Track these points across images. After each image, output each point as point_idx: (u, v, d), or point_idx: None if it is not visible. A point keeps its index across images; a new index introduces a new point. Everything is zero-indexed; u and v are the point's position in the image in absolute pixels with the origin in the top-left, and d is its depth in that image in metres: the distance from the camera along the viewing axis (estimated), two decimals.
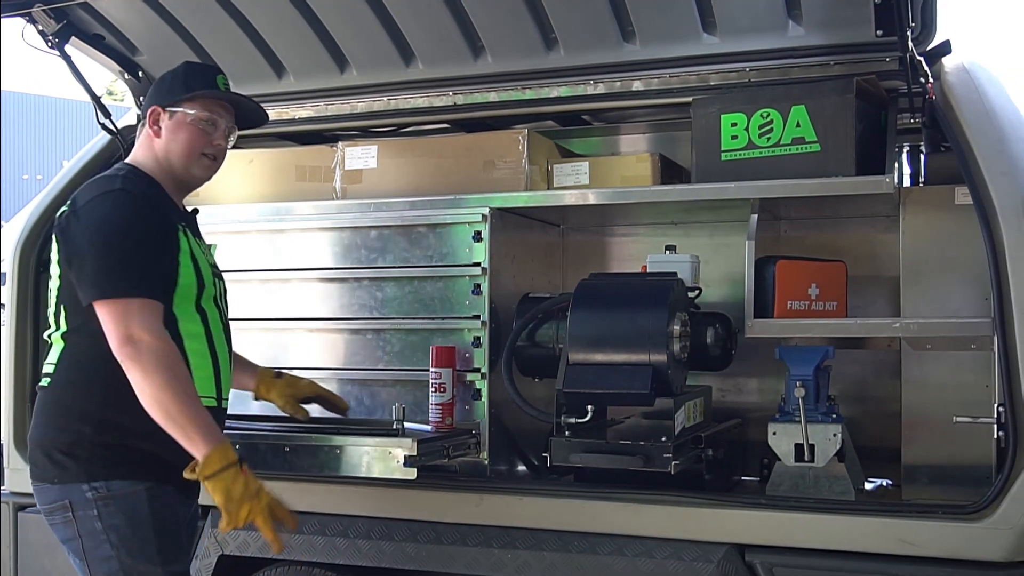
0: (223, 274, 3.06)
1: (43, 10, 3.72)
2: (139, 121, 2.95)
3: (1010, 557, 2.85)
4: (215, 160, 2.96)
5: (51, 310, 2.81)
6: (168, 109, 2.91)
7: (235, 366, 3.12)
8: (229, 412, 2.98)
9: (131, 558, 2.66)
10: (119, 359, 2.61)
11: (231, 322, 3.02)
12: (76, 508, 2.68)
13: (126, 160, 2.97)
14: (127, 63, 4.13)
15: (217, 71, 3.02)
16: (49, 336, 2.84)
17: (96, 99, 4.00)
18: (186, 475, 2.59)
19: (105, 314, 2.64)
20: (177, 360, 2.63)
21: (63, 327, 2.77)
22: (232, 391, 3.00)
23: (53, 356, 2.80)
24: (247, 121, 3.07)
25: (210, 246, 3.07)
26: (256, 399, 3.34)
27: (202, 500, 2.88)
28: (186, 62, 3.07)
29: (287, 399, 3.30)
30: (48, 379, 2.79)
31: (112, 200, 2.72)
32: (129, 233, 2.68)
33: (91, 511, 2.67)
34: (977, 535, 2.87)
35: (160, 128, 2.91)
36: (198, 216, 3.04)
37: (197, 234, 2.97)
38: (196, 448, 2.59)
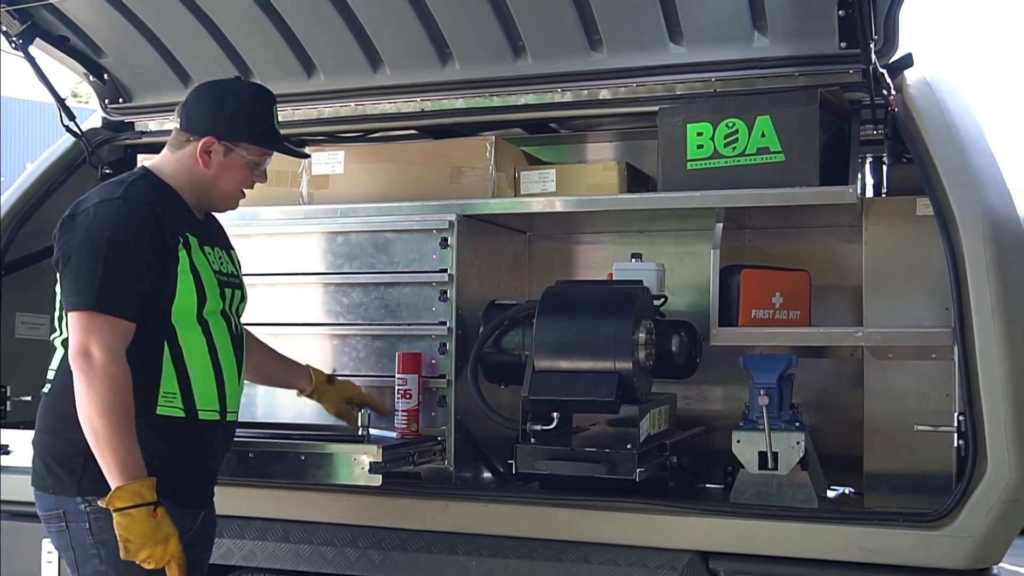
0: (240, 280, 2.98)
1: (7, 11, 3.67)
2: (179, 134, 2.85)
3: (970, 565, 2.86)
4: (246, 193, 2.96)
5: (56, 314, 2.76)
6: (224, 143, 2.83)
7: (282, 367, 3.20)
8: None
9: (119, 575, 2.61)
10: (72, 368, 2.56)
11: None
12: (70, 519, 2.64)
13: (148, 164, 2.89)
14: (92, 65, 4.09)
15: (273, 99, 2.94)
16: (53, 341, 2.79)
17: (61, 101, 3.95)
18: (100, 503, 2.52)
19: (72, 324, 2.60)
20: (124, 386, 2.55)
21: (64, 332, 2.72)
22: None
23: (55, 362, 2.76)
24: None
25: (229, 250, 3.00)
26: (299, 395, 3.34)
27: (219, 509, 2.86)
28: (249, 88, 2.95)
29: (337, 404, 3.34)
30: (49, 385, 2.76)
31: (107, 209, 2.66)
32: (114, 246, 2.61)
33: (83, 524, 2.62)
34: (937, 543, 2.87)
35: (210, 159, 2.83)
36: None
37: (211, 242, 2.88)
38: (111, 478, 2.52)
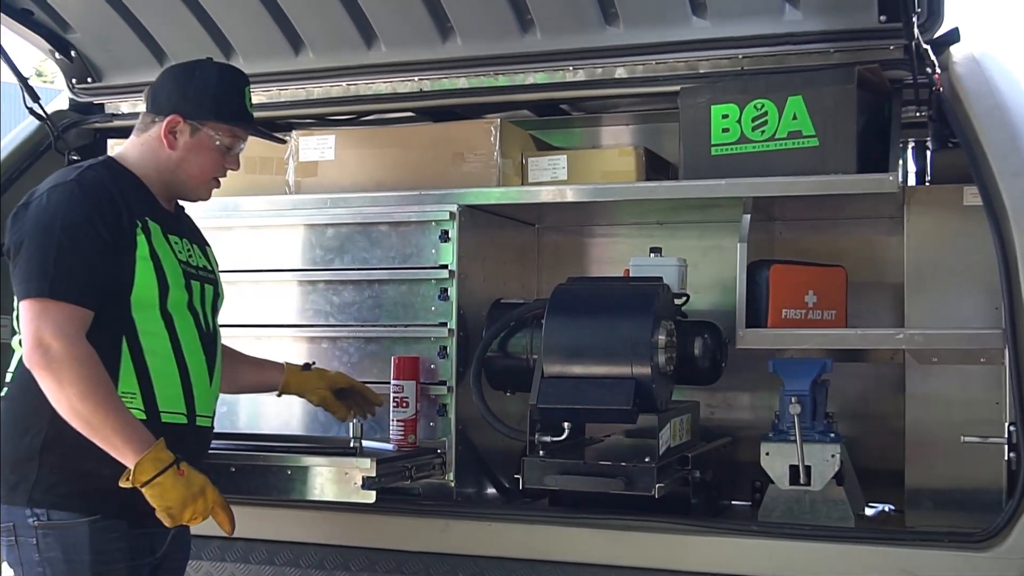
0: (216, 277, 3.03)
1: None
2: (144, 119, 2.95)
3: None
4: (220, 182, 2.99)
5: (15, 314, 2.78)
6: (190, 122, 2.89)
7: (251, 368, 3.21)
8: None
9: None
10: (29, 367, 2.59)
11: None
12: (19, 533, 2.67)
13: (113, 152, 2.95)
14: (58, 41, 4.10)
15: (246, 80, 3.00)
16: (12, 343, 2.82)
17: (24, 81, 3.97)
18: (121, 484, 2.57)
19: (23, 313, 2.63)
20: (93, 365, 2.59)
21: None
22: None
23: (13, 364, 2.79)
24: None
25: (202, 246, 3.04)
26: (280, 395, 3.35)
27: (197, 530, 2.88)
28: (218, 67, 3.01)
29: (319, 391, 3.34)
30: (6, 389, 2.79)
31: (59, 193, 2.70)
32: (67, 229, 2.65)
33: (31, 539, 2.66)
34: (986, 565, 2.88)
35: (176, 140, 2.89)
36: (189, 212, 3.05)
37: (179, 232, 2.92)
38: (125, 458, 2.58)
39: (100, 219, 2.69)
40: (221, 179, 3.01)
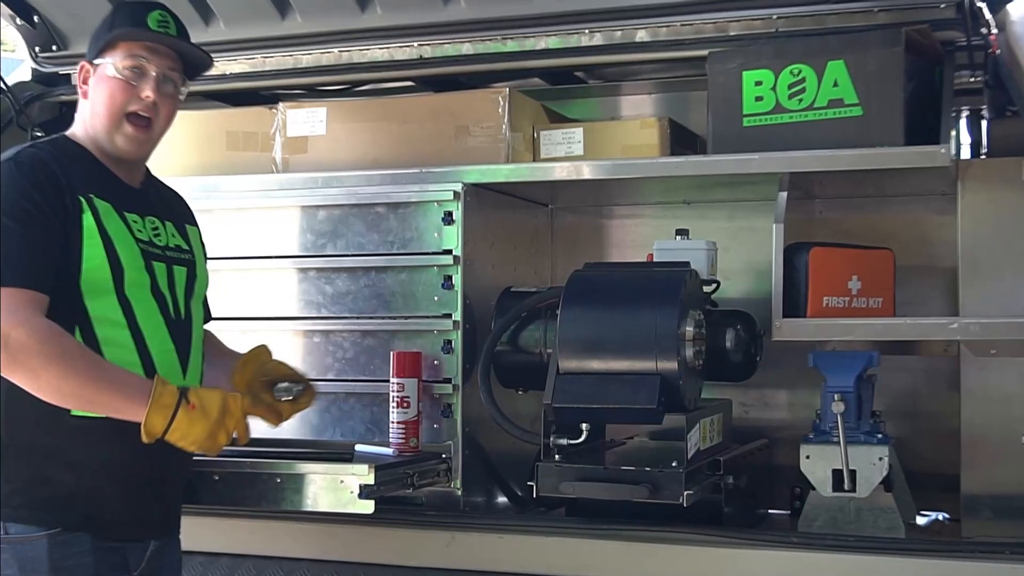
0: (193, 258, 3.00)
1: None
2: None
3: None
4: (147, 126, 2.88)
5: None
6: (93, 62, 2.89)
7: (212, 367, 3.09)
8: None
9: None
10: None
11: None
12: None
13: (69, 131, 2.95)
14: (19, 6, 4.11)
15: (151, 6, 2.95)
16: None
17: None
18: (144, 438, 2.59)
19: None
20: (59, 339, 2.59)
21: None
22: None
23: None
24: (187, 70, 3.01)
25: (180, 223, 3.02)
26: None
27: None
28: (119, 1, 3.03)
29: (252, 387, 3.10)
30: None
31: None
32: (8, 211, 2.64)
33: None
34: None
35: (88, 87, 2.90)
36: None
37: (141, 210, 2.89)
38: (134, 415, 2.60)
39: (42, 198, 2.69)
40: (152, 121, 2.88)
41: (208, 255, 3.16)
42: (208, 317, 3.19)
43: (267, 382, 3.07)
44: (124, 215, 2.83)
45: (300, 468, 3.13)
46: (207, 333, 3.16)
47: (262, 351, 3.13)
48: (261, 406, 3.02)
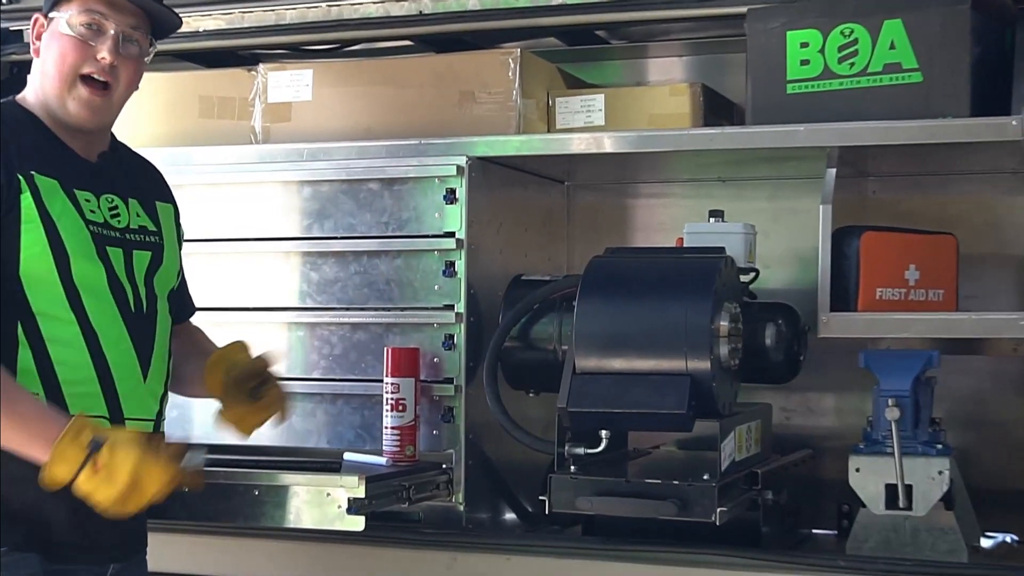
0: (160, 241, 2.95)
1: None
2: None
3: None
4: (105, 90, 2.84)
5: None
6: (49, 16, 2.85)
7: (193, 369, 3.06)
8: None
9: None
10: None
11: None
12: None
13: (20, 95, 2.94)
14: None
15: None
16: None
17: None
18: (48, 490, 2.55)
19: None
20: None
21: None
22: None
23: None
24: (154, 29, 2.97)
25: (146, 201, 2.97)
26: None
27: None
28: None
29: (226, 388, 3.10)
30: None
31: None
32: None
33: None
34: None
35: (41, 43, 2.87)
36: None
37: (96, 188, 2.85)
38: (38, 462, 2.53)
39: None
40: (108, 85, 2.84)
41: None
42: (190, 309, 3.18)
43: (241, 381, 3.05)
44: (74, 193, 2.78)
45: (282, 479, 3.14)
46: (190, 328, 3.18)
47: (235, 348, 3.10)
48: (233, 413, 3.02)
